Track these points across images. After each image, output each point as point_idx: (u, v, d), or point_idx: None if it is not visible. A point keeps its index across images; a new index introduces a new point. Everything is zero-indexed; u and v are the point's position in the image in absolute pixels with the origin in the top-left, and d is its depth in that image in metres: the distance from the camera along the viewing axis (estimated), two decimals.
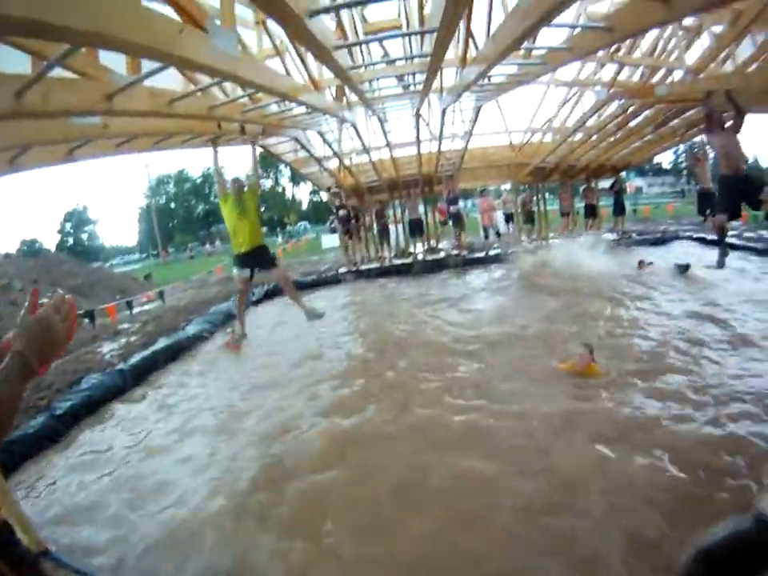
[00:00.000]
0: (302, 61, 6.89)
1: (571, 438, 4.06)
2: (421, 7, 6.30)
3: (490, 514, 3.24)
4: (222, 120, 6.67)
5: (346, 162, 13.30)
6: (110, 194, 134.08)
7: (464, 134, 12.23)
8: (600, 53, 7.58)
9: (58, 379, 7.33)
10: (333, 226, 15.53)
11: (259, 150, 9.50)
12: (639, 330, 6.69)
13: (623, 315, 7.51)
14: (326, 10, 3.50)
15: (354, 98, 8.72)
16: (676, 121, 11.76)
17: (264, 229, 46.27)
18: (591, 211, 16.44)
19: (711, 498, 3.05)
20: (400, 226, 16.41)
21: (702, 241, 14.38)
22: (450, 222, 15.63)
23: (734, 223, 11.12)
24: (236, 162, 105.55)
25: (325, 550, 3.12)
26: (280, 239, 44.34)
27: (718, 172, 7.25)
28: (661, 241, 15.63)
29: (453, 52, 6.99)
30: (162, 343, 8.82)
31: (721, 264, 7.60)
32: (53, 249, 57.32)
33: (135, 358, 8.03)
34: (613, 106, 10.34)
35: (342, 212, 14.55)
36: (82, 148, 5.85)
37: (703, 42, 8.46)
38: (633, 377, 5.15)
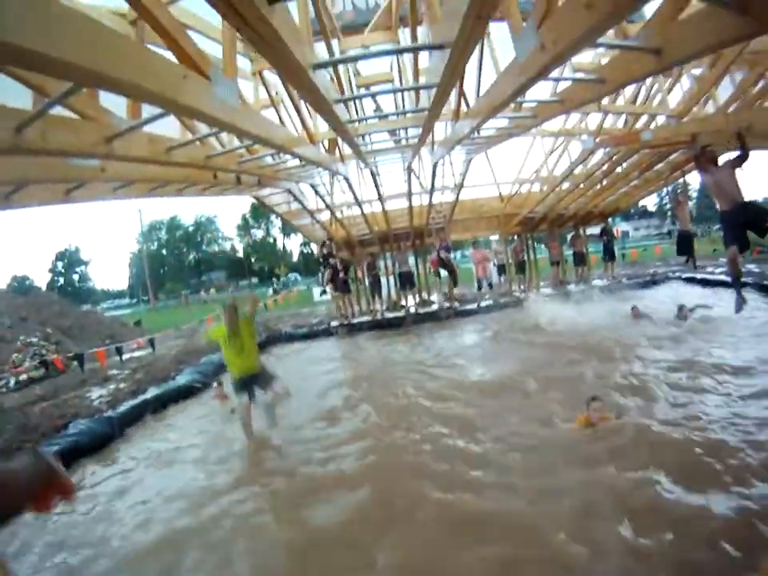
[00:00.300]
0: (298, 113, 7.00)
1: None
2: (415, 62, 6.45)
3: None
4: (219, 170, 6.70)
5: (338, 214, 13.39)
6: (102, 236, 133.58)
7: (454, 187, 12.41)
8: None
9: (43, 422, 7.24)
10: (323, 283, 15.29)
11: (252, 200, 9.54)
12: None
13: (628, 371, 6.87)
14: (329, 64, 3.55)
15: (346, 150, 8.87)
16: (661, 164, 12.01)
17: (255, 279, 46.24)
18: (580, 259, 16.54)
19: None
20: (391, 278, 16.40)
21: (692, 280, 14.76)
22: (442, 273, 15.55)
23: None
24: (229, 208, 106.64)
25: None
26: (270, 290, 44.14)
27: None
28: (651, 283, 15.88)
29: (445, 106, 7.14)
30: (150, 393, 8.63)
31: (738, 308, 7.24)
32: (43, 287, 57.15)
33: (124, 407, 7.84)
34: (599, 154, 10.56)
35: (331, 260, 14.36)
36: (79, 190, 5.84)
37: (683, 85, 8.73)
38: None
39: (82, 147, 3.80)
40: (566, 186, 12.74)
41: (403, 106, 8.96)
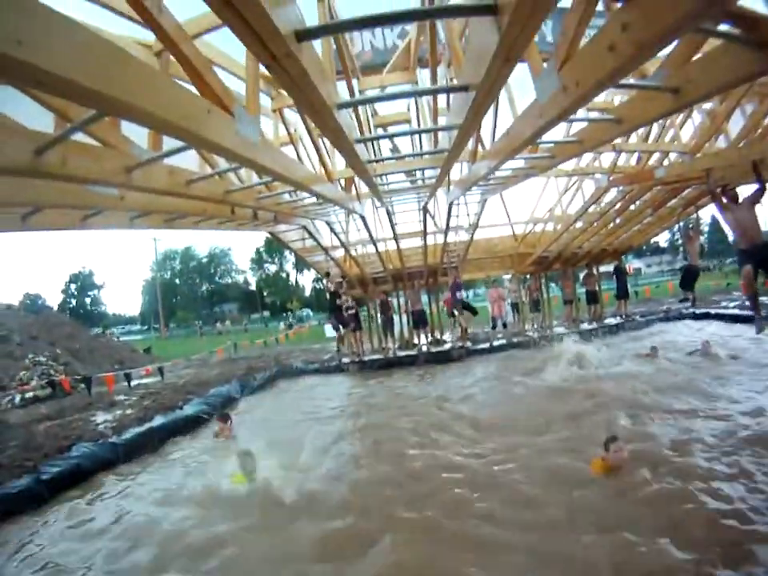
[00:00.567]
0: (317, 151, 7.08)
1: None
2: (434, 103, 6.54)
3: None
4: (237, 205, 6.74)
5: (352, 252, 13.44)
6: (116, 262, 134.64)
7: (469, 226, 12.44)
8: None
9: (47, 442, 7.17)
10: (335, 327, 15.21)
11: (267, 234, 9.59)
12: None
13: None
14: (353, 104, 3.58)
15: (362, 189, 8.94)
16: (674, 200, 12.00)
17: (266, 313, 46.32)
18: (593, 297, 16.47)
19: None
20: (404, 317, 16.35)
21: (706, 316, 14.87)
22: (456, 312, 15.42)
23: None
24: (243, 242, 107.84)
25: None
26: (282, 325, 44.16)
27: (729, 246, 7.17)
28: (665, 320, 15.97)
29: None
30: (157, 421, 8.53)
31: (759, 329, 7.06)
32: (55, 308, 57.93)
33: (129, 433, 7.78)
34: (612, 192, 10.57)
35: (338, 301, 14.21)
36: (96, 217, 5.86)
37: (695, 120, 8.75)
38: None
39: (101, 175, 3.82)
40: (579, 224, 12.73)
41: (420, 146, 9.06)
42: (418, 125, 8.53)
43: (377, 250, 12.71)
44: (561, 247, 14.33)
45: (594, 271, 16.56)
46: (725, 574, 3.12)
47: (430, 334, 16.10)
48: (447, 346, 14.92)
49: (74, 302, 72.69)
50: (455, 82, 5.14)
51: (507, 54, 2.51)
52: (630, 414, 6.43)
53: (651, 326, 15.51)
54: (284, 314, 60.29)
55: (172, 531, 4.66)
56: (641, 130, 8.73)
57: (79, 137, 3.66)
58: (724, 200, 6.68)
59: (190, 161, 5.56)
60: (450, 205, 9.48)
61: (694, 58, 3.91)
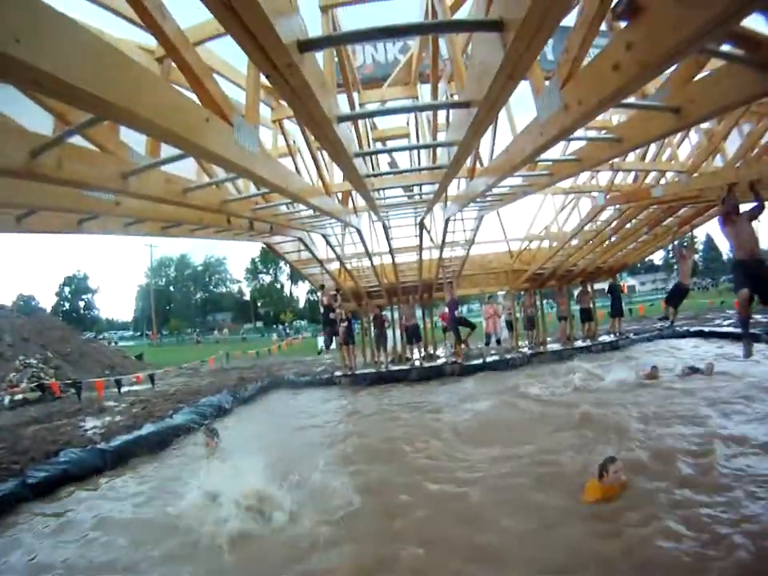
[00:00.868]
0: (316, 164, 7.06)
1: None
2: (434, 119, 6.54)
3: None
4: (233, 215, 6.69)
5: (348, 265, 13.40)
6: (111, 266, 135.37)
7: (465, 242, 12.44)
8: None
9: (34, 445, 7.12)
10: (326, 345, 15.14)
11: (262, 245, 9.54)
12: None
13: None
14: (353, 118, 3.55)
15: (359, 203, 8.92)
16: (670, 219, 12.05)
17: (259, 323, 46.33)
18: (587, 315, 16.49)
19: None
20: (398, 331, 16.31)
21: (700, 334, 15.08)
22: (452, 328, 15.31)
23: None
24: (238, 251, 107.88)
25: None
26: (275, 336, 44.00)
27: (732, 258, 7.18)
28: (659, 338, 16.00)
29: None
30: (146, 429, 8.47)
31: (747, 353, 7.11)
32: (48, 310, 57.47)
33: (117, 441, 7.72)
34: (609, 211, 10.60)
35: (331, 315, 14.17)
36: (91, 221, 5.79)
37: (692, 139, 8.79)
38: None
39: (97, 180, 3.77)
40: (575, 242, 12.75)
41: (418, 161, 9.07)
42: (417, 140, 8.55)
43: (372, 264, 12.67)
44: (556, 264, 14.36)
45: (589, 289, 16.59)
46: None
47: (423, 349, 16.04)
48: (440, 362, 14.87)
49: (67, 305, 72.76)
50: (456, 98, 5.14)
51: (511, 71, 2.50)
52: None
53: (645, 343, 15.56)
54: (280, 325, 60.02)
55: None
56: (638, 149, 8.73)
57: (77, 140, 3.60)
58: (730, 213, 6.73)
59: (187, 169, 5.52)
60: (447, 221, 9.47)
61: (696, 78, 3.92)
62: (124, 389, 13.52)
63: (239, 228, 7.66)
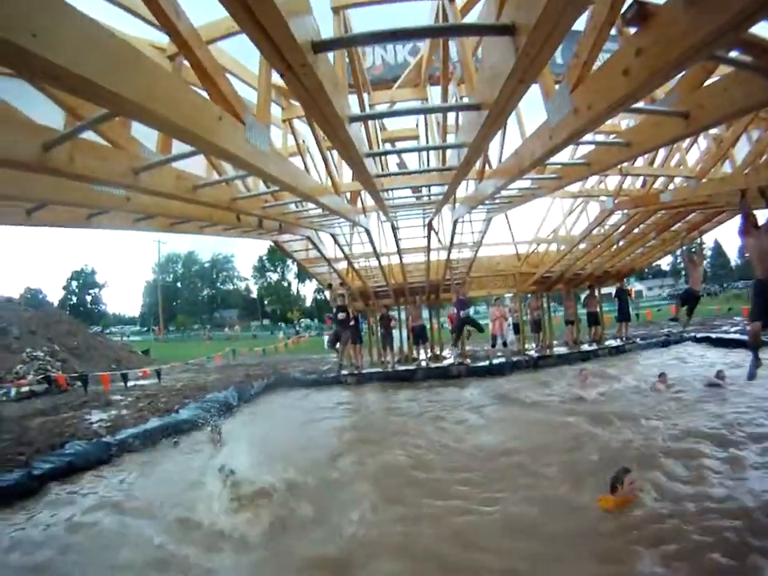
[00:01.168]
0: (325, 164, 7.09)
1: None
2: (444, 121, 6.56)
3: None
4: (243, 213, 6.73)
5: (355, 265, 13.43)
6: (119, 261, 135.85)
7: (473, 244, 12.45)
8: None
9: (40, 437, 7.22)
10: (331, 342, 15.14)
11: (270, 243, 9.58)
12: None
13: None
14: (365, 118, 3.59)
15: (368, 203, 8.95)
16: (678, 224, 12.01)
17: (266, 321, 46.48)
18: (594, 319, 16.46)
19: None
20: (404, 332, 16.33)
21: (707, 340, 15.01)
22: (455, 328, 15.29)
23: None
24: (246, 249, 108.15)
25: None
26: (282, 334, 44.09)
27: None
28: (665, 344, 15.91)
29: None
30: (152, 423, 8.54)
31: (751, 376, 7.05)
32: (55, 304, 58.31)
33: (122, 434, 7.76)
34: (617, 215, 10.59)
35: (340, 314, 14.13)
36: (100, 216, 5.84)
37: (700, 145, 8.75)
38: None
39: (109, 175, 3.81)
40: (583, 246, 12.73)
41: (427, 163, 9.10)
42: (426, 141, 8.57)
43: (380, 264, 12.69)
44: (563, 268, 14.34)
45: (596, 293, 16.57)
46: None
47: (429, 350, 16.05)
48: (446, 363, 14.88)
49: (74, 299, 73.18)
50: (465, 100, 5.17)
51: (522, 74, 2.52)
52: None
53: (650, 349, 15.51)
54: (291, 323, 60.19)
55: None
56: (647, 154, 8.70)
57: (88, 135, 3.65)
58: (748, 223, 6.48)
59: (197, 166, 5.56)
60: (455, 222, 9.49)
61: (705, 84, 3.93)
62: (130, 383, 13.61)
63: (248, 225, 7.69)
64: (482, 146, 4.07)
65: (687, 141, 8.35)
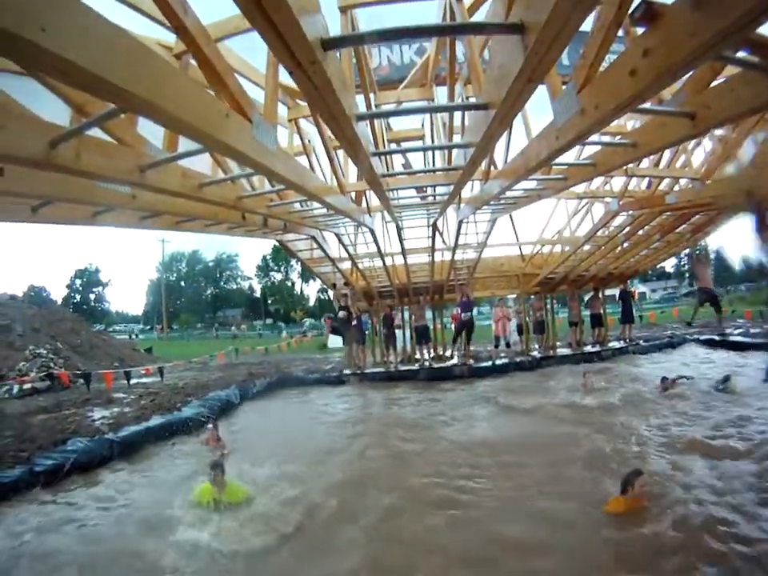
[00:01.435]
0: (331, 163, 7.11)
1: None
2: (450, 120, 6.56)
3: None
4: (248, 212, 6.75)
5: (360, 264, 13.44)
6: (123, 260, 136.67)
7: (477, 245, 12.45)
8: None
9: (42, 434, 7.22)
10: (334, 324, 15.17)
11: (274, 242, 9.60)
12: None
13: None
14: (372, 117, 3.60)
15: (373, 203, 8.96)
16: (683, 226, 11.98)
17: (269, 320, 46.46)
18: (597, 320, 16.40)
19: None
20: (408, 332, 16.32)
21: (710, 342, 14.94)
22: (458, 330, 15.35)
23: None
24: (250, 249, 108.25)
25: None
26: (285, 333, 44.13)
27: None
28: (669, 346, 15.88)
29: None
30: (154, 421, 8.55)
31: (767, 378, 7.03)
32: (59, 302, 57.65)
33: (124, 431, 7.77)
34: (622, 216, 10.57)
35: (341, 313, 14.28)
36: (105, 214, 5.84)
37: (705, 146, 8.72)
38: None
39: (115, 172, 3.83)
40: (587, 247, 12.69)
41: (433, 163, 9.10)
42: (432, 141, 8.57)
43: (384, 264, 12.68)
44: (568, 269, 14.29)
45: (600, 294, 16.53)
46: None
47: (432, 350, 16.06)
48: (450, 363, 14.88)
49: (78, 297, 73.29)
50: (472, 100, 5.17)
51: (531, 74, 2.53)
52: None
53: (654, 352, 15.47)
54: (295, 322, 60.22)
55: None
56: (652, 155, 8.68)
57: (95, 133, 3.67)
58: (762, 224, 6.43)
59: (202, 164, 5.57)
60: (460, 223, 9.48)
61: (712, 85, 3.93)
62: (133, 381, 13.66)
63: (253, 224, 7.71)
64: (489, 145, 4.08)
65: (693, 142, 8.33)
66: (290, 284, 75.36)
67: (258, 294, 76.94)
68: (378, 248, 10.87)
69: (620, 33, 3.50)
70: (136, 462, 7.21)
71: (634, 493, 4.36)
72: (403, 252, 11.65)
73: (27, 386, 13.48)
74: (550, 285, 15.65)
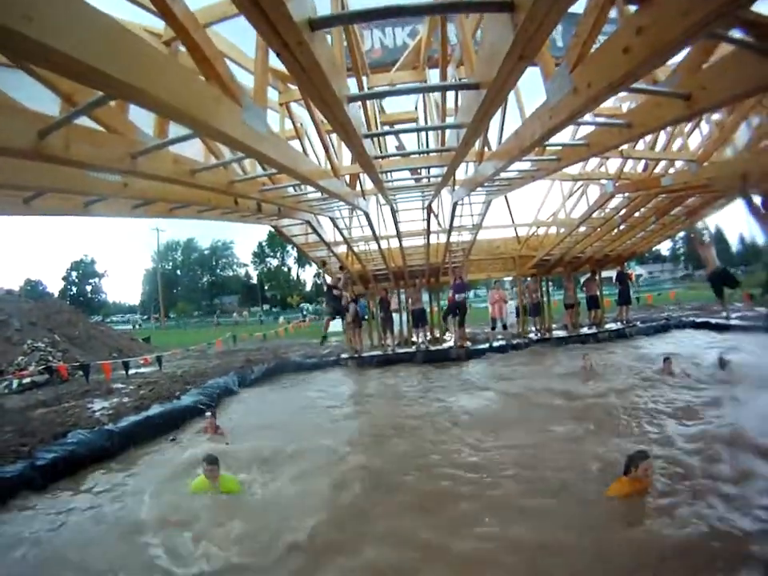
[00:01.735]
0: (324, 147, 7.06)
1: None
2: (443, 102, 6.51)
3: None
4: (241, 197, 6.71)
5: (355, 248, 13.40)
6: (118, 250, 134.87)
7: (472, 227, 12.42)
8: None
9: (42, 427, 7.22)
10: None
11: (269, 228, 9.58)
12: None
13: None
14: (363, 98, 3.56)
15: (367, 186, 8.91)
16: (678, 208, 11.97)
17: (266, 306, 46.53)
18: (594, 302, 16.46)
19: None
20: (404, 315, 16.34)
21: (706, 325, 15.21)
22: (452, 312, 15.33)
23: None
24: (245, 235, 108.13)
25: None
26: (281, 318, 44.09)
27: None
28: (665, 328, 16.08)
29: None
30: (153, 410, 8.64)
31: None
32: (55, 294, 58.60)
33: (125, 422, 7.84)
34: (617, 198, 10.54)
35: (335, 291, 14.19)
36: (98, 204, 5.79)
37: (702, 129, 8.69)
38: None
39: (105, 160, 3.78)
40: (582, 229, 12.67)
41: (426, 145, 9.04)
42: (426, 124, 8.51)
43: (379, 248, 12.66)
44: (563, 251, 14.31)
45: (596, 276, 16.57)
46: None
47: (429, 333, 16.10)
48: (446, 345, 14.93)
49: (74, 289, 73.13)
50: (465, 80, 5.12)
51: (521, 51, 2.49)
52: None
53: (651, 334, 15.55)
54: (294, 308, 60.29)
55: None
56: (648, 138, 8.61)
57: (84, 122, 3.62)
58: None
59: (194, 150, 5.52)
60: (455, 205, 9.45)
61: (708, 66, 3.89)
62: (132, 371, 13.67)
63: (247, 210, 7.67)
64: (481, 125, 4.04)
65: (689, 125, 8.29)
66: (286, 270, 75.32)
67: (254, 281, 76.89)
68: (373, 231, 10.85)
69: (613, 14, 3.46)
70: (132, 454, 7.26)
71: (637, 474, 4.26)
72: (398, 235, 11.62)
73: (26, 380, 13.46)
74: (545, 267, 15.66)
